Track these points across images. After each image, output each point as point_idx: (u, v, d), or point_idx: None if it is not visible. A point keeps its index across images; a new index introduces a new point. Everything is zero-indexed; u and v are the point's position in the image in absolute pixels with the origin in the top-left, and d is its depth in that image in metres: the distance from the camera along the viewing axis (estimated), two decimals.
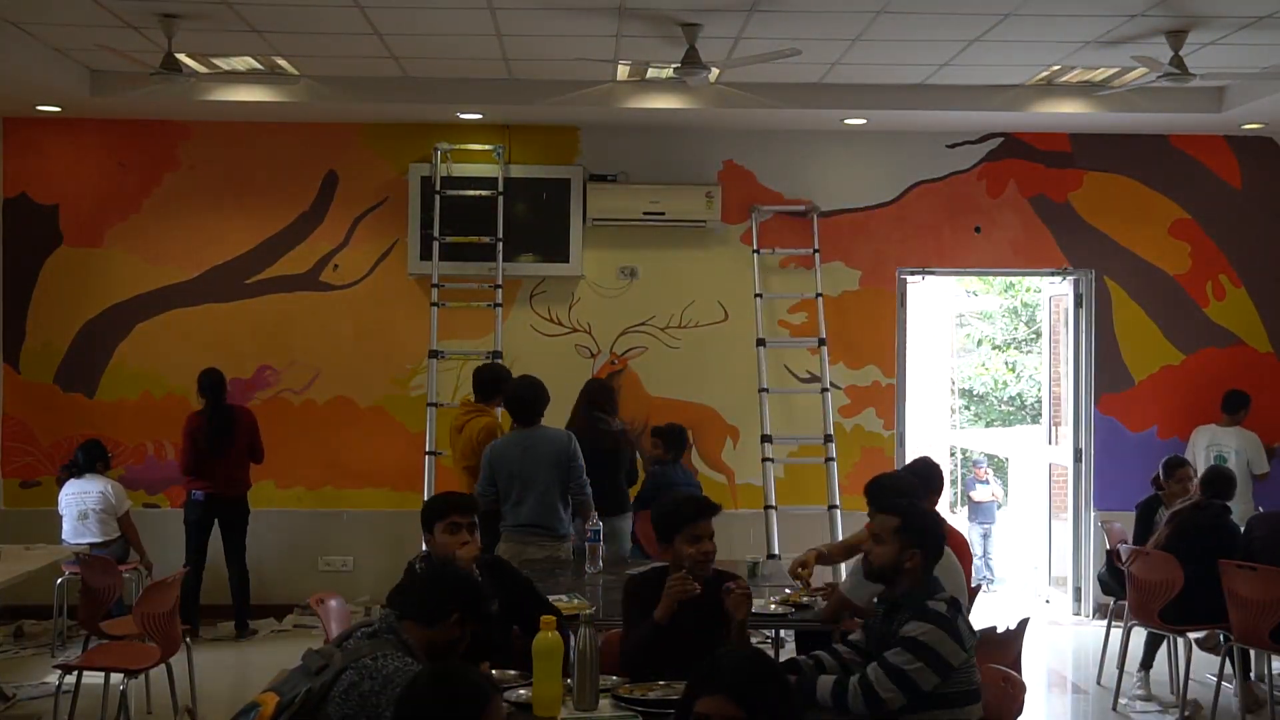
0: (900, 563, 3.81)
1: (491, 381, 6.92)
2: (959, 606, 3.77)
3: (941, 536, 3.97)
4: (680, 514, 4.27)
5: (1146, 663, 7.04)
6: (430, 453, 8.32)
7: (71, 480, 7.83)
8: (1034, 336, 19.42)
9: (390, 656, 3.25)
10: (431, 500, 4.63)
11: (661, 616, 4.16)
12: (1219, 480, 6.81)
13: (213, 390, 7.99)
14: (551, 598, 5.21)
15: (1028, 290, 19.34)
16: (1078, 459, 9.00)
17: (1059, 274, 9.03)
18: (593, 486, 6.31)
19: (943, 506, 7.57)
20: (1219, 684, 6.33)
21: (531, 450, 6.15)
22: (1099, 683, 7.07)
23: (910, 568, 3.81)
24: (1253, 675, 6.61)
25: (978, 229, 8.93)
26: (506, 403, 6.54)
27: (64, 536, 7.71)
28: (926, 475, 5.43)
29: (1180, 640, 6.65)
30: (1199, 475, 7.12)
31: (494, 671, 3.85)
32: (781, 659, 4.78)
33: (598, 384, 7.46)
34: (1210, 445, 8.28)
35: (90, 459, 7.86)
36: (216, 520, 8.02)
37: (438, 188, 8.55)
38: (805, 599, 5.27)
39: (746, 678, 2.73)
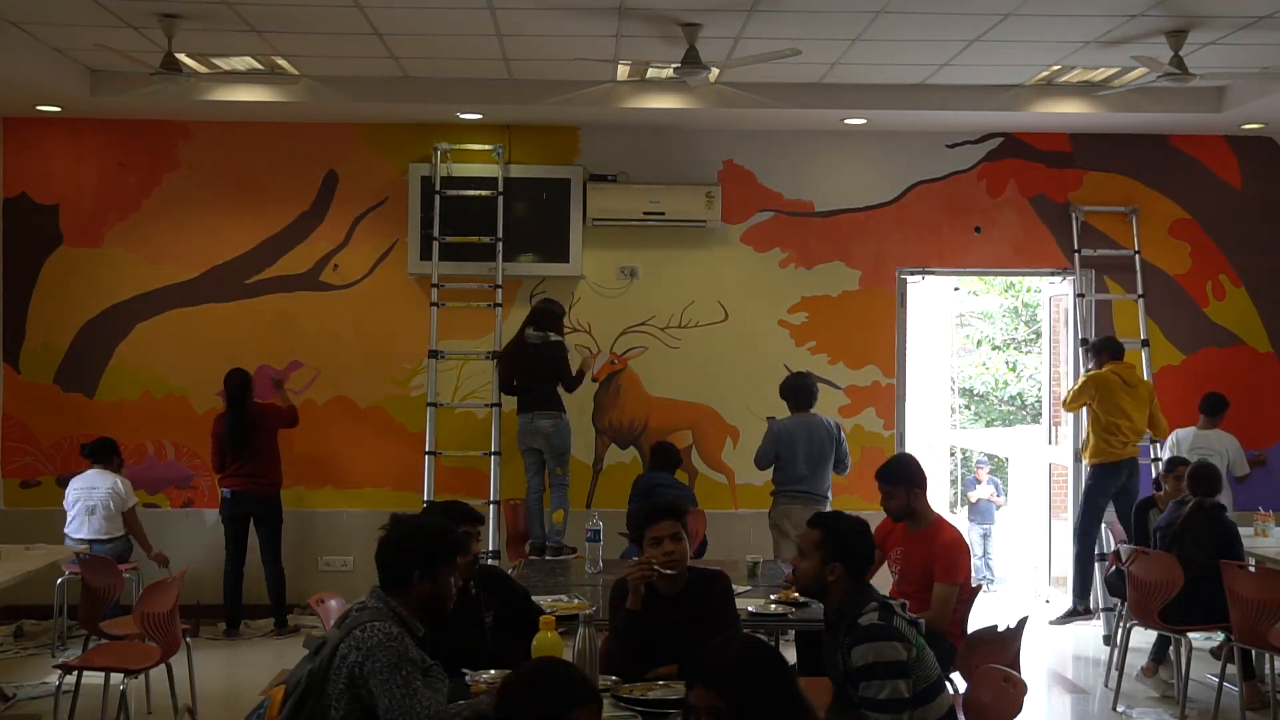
0: (823, 576, 3.83)
1: None
2: (890, 609, 3.75)
3: (867, 546, 3.94)
4: (640, 519, 4.39)
5: (1159, 656, 7.06)
6: (430, 453, 8.33)
7: (80, 475, 7.85)
8: (1034, 337, 19.42)
9: (377, 628, 3.26)
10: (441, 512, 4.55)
11: (632, 604, 4.25)
12: (1208, 477, 6.79)
13: (230, 393, 8.09)
14: (551, 598, 5.24)
15: (1028, 290, 19.34)
16: (1078, 459, 9.00)
17: (1059, 274, 9.04)
18: (527, 391, 7.76)
19: (943, 507, 7.61)
20: (1220, 684, 6.32)
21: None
22: (1106, 685, 7.06)
23: (834, 580, 3.82)
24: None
25: (978, 229, 8.93)
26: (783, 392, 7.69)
27: (67, 530, 7.72)
28: (908, 471, 5.51)
29: (1178, 640, 6.65)
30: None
31: (493, 672, 3.85)
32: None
33: (538, 301, 8.12)
34: (1194, 448, 8.27)
35: (104, 453, 7.89)
36: (252, 518, 8.12)
37: (438, 188, 8.55)
38: (803, 597, 5.27)
39: (730, 669, 2.70)
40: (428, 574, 3.42)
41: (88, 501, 7.71)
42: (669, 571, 4.27)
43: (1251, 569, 6.39)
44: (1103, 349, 8.39)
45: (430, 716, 3.18)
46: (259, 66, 7.65)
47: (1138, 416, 8.19)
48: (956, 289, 17.53)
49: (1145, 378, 8.61)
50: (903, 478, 5.48)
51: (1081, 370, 8.90)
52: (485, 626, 4.39)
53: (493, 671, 3.86)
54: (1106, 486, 8.19)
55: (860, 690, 3.64)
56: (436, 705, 3.24)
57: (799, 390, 7.68)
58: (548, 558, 7.41)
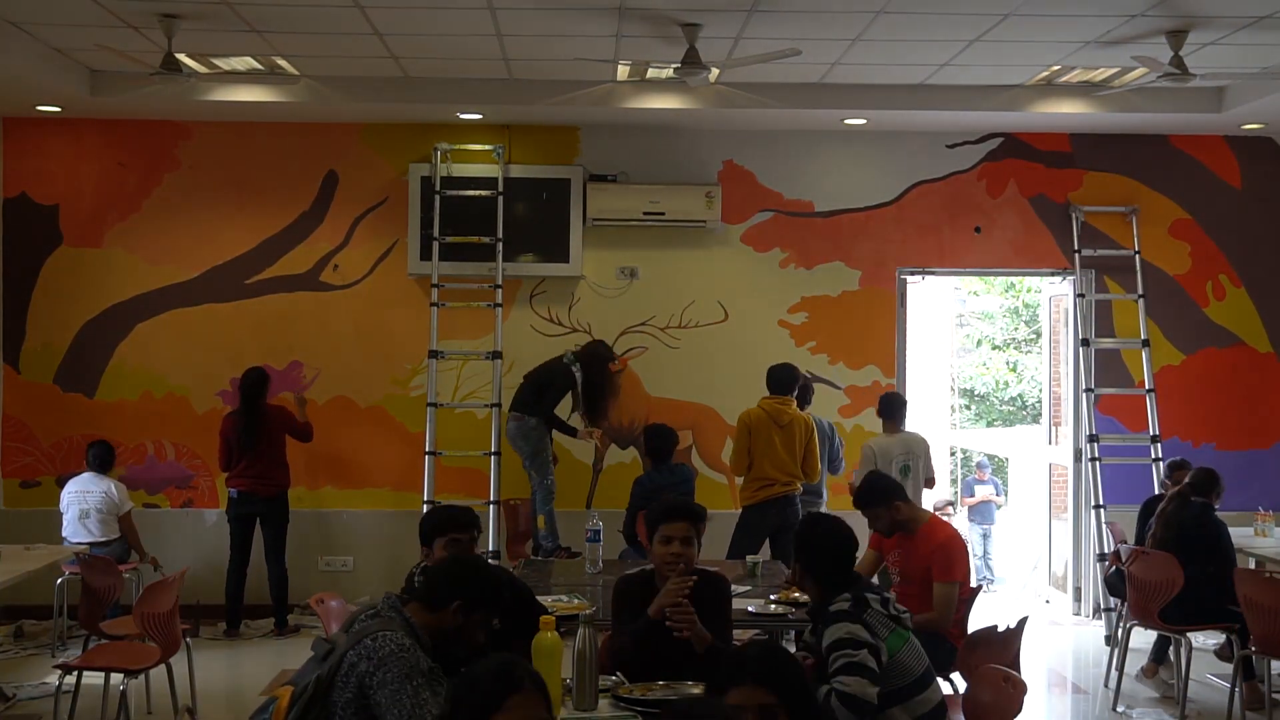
0: (803, 583, 4.15)
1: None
2: (864, 603, 3.90)
3: (834, 552, 4.07)
4: (657, 514, 4.41)
5: (1160, 656, 7.05)
6: (430, 453, 8.33)
7: (74, 478, 7.85)
8: (1034, 336, 19.42)
9: (389, 637, 3.27)
10: (431, 514, 4.60)
11: (655, 612, 4.22)
12: (1204, 481, 6.82)
13: (244, 393, 8.08)
14: (551, 598, 5.24)
15: (1028, 290, 19.35)
16: (1078, 459, 9.00)
17: (1059, 274, 9.04)
18: (527, 393, 7.92)
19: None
20: (1232, 689, 6.30)
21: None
22: (1106, 685, 7.06)
23: (810, 587, 4.09)
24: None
25: (978, 229, 8.93)
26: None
27: (64, 535, 7.74)
28: (876, 492, 5.53)
29: (1179, 640, 6.64)
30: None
31: None
32: None
33: (597, 342, 8.29)
34: None
35: (98, 459, 7.93)
36: (258, 518, 8.12)
37: (438, 188, 8.55)
38: (803, 597, 5.26)
39: (772, 665, 2.82)
40: (465, 610, 3.45)
41: (81, 505, 7.76)
42: (685, 596, 4.19)
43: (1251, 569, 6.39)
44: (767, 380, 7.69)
45: None
46: (259, 66, 7.65)
47: (787, 457, 7.40)
48: (957, 288, 17.54)
49: (808, 417, 7.65)
50: (873, 499, 5.48)
51: (1081, 373, 8.90)
52: (487, 626, 4.38)
53: None
54: (757, 526, 7.45)
55: (829, 664, 3.76)
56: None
57: (781, 384, 7.64)
58: (536, 557, 7.41)
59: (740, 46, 7.01)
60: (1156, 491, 7.99)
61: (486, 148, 8.67)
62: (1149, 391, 8.73)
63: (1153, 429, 8.68)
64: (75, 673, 5.81)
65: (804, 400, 7.83)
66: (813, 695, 2.89)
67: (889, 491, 5.49)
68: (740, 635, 5.64)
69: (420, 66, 7.75)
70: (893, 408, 7.80)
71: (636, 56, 7.33)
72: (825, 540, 4.08)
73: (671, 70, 6.96)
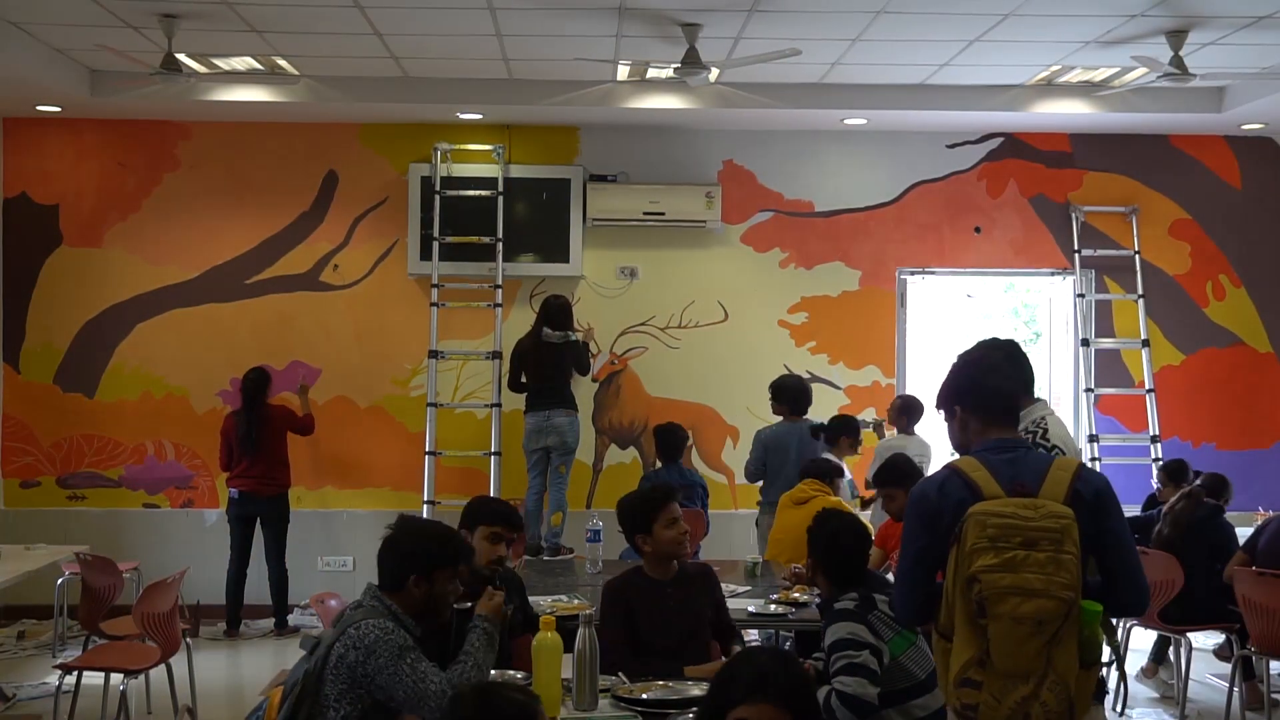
0: (816, 577, 4.26)
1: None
2: (871, 602, 3.96)
3: (846, 549, 4.14)
4: (651, 502, 4.44)
5: (1160, 656, 7.05)
6: (430, 453, 8.33)
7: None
8: (1034, 337, 19.41)
9: (372, 625, 3.28)
10: (485, 502, 4.62)
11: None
12: (1215, 484, 6.87)
13: (244, 393, 8.09)
14: (552, 598, 5.24)
15: (1027, 290, 19.35)
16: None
17: (1059, 274, 9.04)
18: (541, 389, 7.85)
19: None
20: (1231, 688, 6.29)
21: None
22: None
23: (820, 580, 4.22)
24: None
25: (978, 229, 8.93)
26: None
27: None
28: (902, 471, 5.56)
29: (1179, 640, 6.64)
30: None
31: (494, 673, 3.84)
32: None
33: (550, 299, 8.02)
34: None
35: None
36: (259, 518, 8.11)
37: (437, 188, 8.55)
38: (803, 597, 5.27)
39: (792, 682, 2.64)
40: (424, 578, 3.43)
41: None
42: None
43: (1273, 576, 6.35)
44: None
45: (444, 692, 3.24)
46: (259, 66, 7.65)
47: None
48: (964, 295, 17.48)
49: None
50: (899, 479, 5.49)
51: (1081, 373, 8.89)
52: (467, 562, 4.34)
53: (492, 672, 3.85)
54: None
55: (830, 664, 3.82)
56: (445, 678, 3.31)
57: (798, 393, 7.63)
58: (545, 558, 7.41)
59: (740, 46, 7.01)
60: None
61: (486, 148, 8.67)
62: (1149, 391, 8.74)
63: (1153, 429, 8.69)
64: (75, 673, 5.81)
65: (806, 406, 7.72)
66: (819, 708, 2.81)
67: (913, 476, 5.52)
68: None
69: (420, 66, 7.75)
70: (798, 394, 7.66)
71: (636, 56, 7.33)
72: (838, 537, 4.15)
73: (671, 70, 6.97)
